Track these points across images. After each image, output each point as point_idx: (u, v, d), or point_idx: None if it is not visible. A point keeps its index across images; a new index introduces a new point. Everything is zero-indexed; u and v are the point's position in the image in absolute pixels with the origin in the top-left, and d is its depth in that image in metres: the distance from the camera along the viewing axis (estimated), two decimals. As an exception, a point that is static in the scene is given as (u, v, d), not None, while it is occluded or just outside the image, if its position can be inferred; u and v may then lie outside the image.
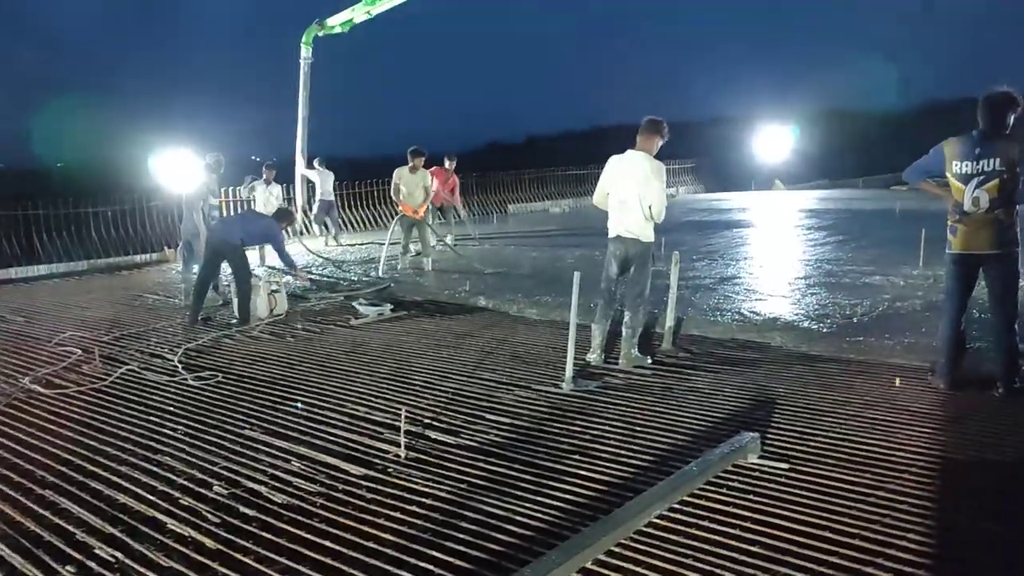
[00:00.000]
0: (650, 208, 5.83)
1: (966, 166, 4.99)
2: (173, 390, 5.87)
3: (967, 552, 3.18)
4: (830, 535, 3.29)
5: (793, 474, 3.92)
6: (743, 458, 4.06)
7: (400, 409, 4.74)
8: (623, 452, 4.31)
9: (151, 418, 5.20)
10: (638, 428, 4.69)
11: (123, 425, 5.07)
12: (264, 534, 3.49)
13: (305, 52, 16.05)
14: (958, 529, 3.35)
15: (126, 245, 14.72)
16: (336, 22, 15.62)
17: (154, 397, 5.70)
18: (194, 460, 4.41)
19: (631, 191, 5.90)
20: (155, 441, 4.74)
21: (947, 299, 5.32)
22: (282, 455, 4.45)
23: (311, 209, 16.43)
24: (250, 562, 3.25)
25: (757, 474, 3.93)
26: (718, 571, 3.04)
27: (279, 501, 3.83)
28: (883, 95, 47.90)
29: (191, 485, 4.06)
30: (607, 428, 4.70)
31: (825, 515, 3.47)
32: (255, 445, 4.62)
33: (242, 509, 3.75)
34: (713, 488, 3.76)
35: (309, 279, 10.00)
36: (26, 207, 13.97)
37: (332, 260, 13.00)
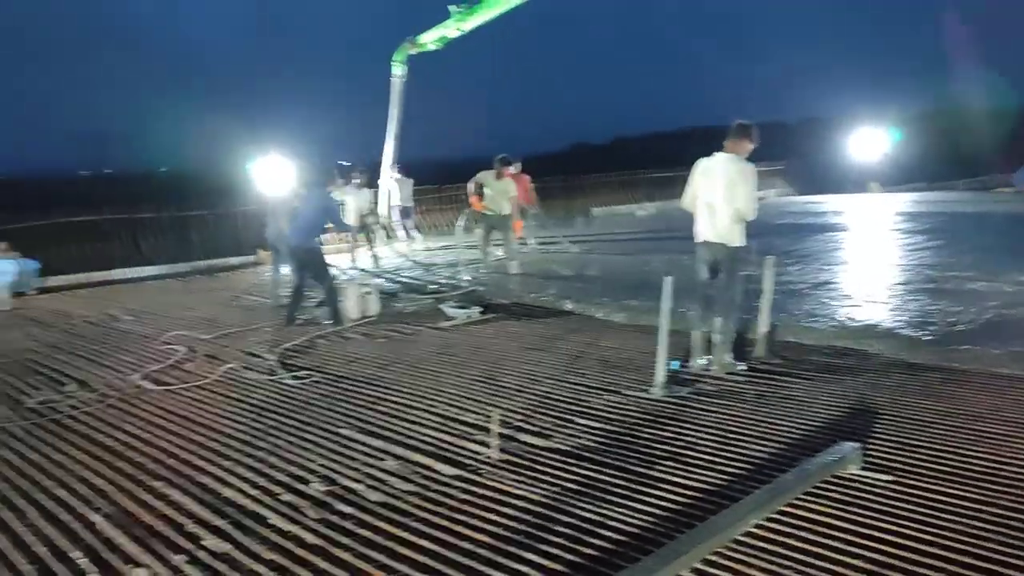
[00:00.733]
0: (737, 211, 5.73)
1: None
2: (271, 389, 6.07)
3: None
4: (938, 551, 3.16)
5: (897, 487, 3.79)
6: (843, 469, 3.94)
7: (490, 411, 4.78)
8: (717, 459, 4.24)
9: (251, 415, 5.39)
10: (732, 435, 4.60)
11: (225, 421, 5.28)
12: (361, 531, 3.58)
13: (397, 70, 16.18)
14: (1079, 550, 3.17)
15: (225, 248, 15.29)
16: (428, 39, 15.55)
17: (254, 395, 5.90)
18: (293, 457, 4.55)
19: (719, 194, 5.81)
20: (256, 437, 4.92)
21: None
22: (377, 454, 4.55)
23: (391, 216, 16.73)
24: (348, 558, 3.33)
25: (858, 486, 3.81)
26: (820, 584, 2.97)
27: (375, 499, 3.92)
28: (986, 94, 45.74)
29: (290, 481, 4.19)
30: (700, 434, 4.64)
31: (932, 530, 3.34)
32: (350, 444, 4.74)
33: (339, 506, 3.85)
34: (812, 499, 3.66)
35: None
36: (133, 210, 14.67)
37: (420, 263, 13.21)
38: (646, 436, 4.65)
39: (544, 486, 3.98)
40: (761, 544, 3.27)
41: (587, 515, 3.62)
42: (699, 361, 6.06)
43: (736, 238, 5.86)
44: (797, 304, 8.00)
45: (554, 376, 6.06)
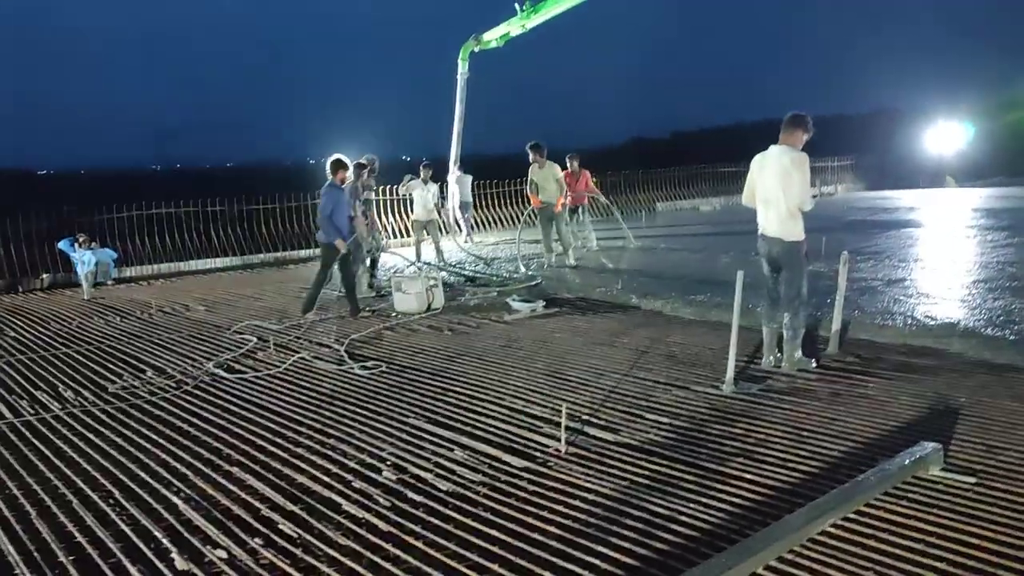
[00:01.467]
0: (791, 203, 5.62)
1: None
2: (341, 378, 6.17)
3: None
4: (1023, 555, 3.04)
5: (981, 489, 3.66)
6: (924, 470, 3.82)
7: (557, 404, 4.77)
8: (790, 457, 4.15)
9: (322, 404, 5.49)
10: (805, 433, 4.50)
11: (297, 409, 5.38)
12: (432, 519, 3.61)
13: (462, 68, 16.43)
14: None
15: (293, 240, 15.61)
16: (492, 37, 15.86)
17: (324, 384, 6.01)
18: (364, 445, 4.62)
19: (773, 187, 5.70)
20: (327, 426, 5.00)
21: None
22: (445, 444, 4.58)
23: (453, 211, 16.89)
24: (420, 546, 3.36)
25: (940, 487, 3.69)
26: (901, 587, 2.88)
27: (444, 488, 3.95)
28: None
29: (362, 469, 4.26)
30: (772, 432, 4.55)
31: (1019, 534, 3.21)
32: (419, 433, 4.78)
33: (410, 494, 3.89)
34: (892, 499, 3.56)
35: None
36: (205, 203, 15.07)
37: (483, 257, 13.26)
38: (716, 432, 4.59)
39: (613, 480, 3.96)
40: (838, 544, 3.19)
41: (658, 510, 3.58)
42: (770, 358, 5.95)
43: (793, 232, 5.72)
44: (871, 302, 7.79)
45: (620, 371, 6.02)
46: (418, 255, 12.60)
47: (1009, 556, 3.05)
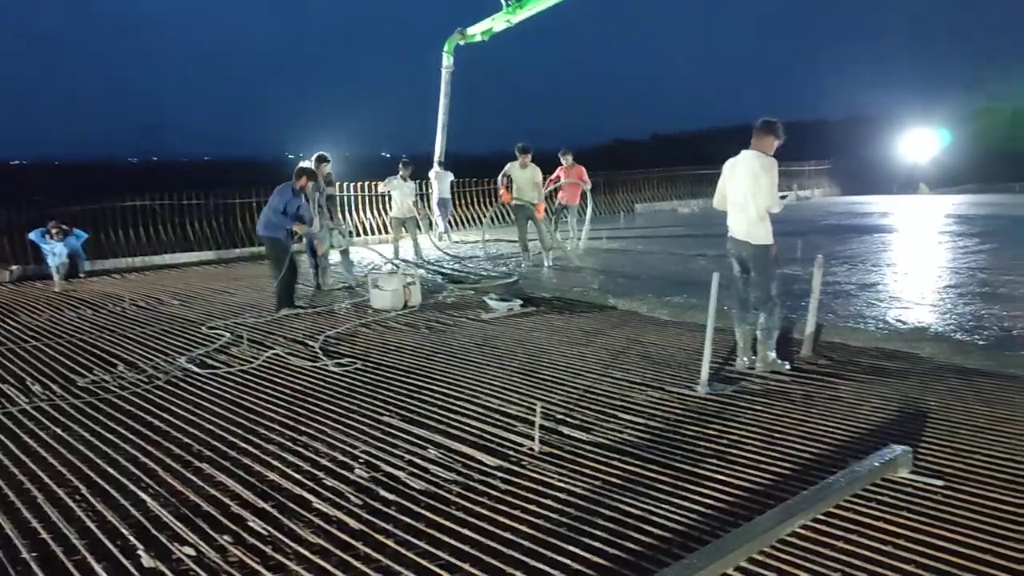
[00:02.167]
0: (760, 206, 5.67)
1: None
2: (315, 375, 6.12)
3: None
4: (993, 559, 3.07)
5: (950, 492, 3.69)
6: (893, 472, 3.85)
7: (532, 403, 4.76)
8: (763, 459, 4.18)
9: (295, 401, 5.44)
10: (778, 435, 4.53)
11: (270, 406, 5.34)
12: (403, 518, 3.58)
13: (447, 61, 16.42)
14: None
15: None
16: (477, 31, 15.92)
17: (298, 381, 5.96)
18: (336, 443, 4.58)
19: (743, 191, 5.76)
20: (299, 423, 4.96)
21: None
22: (419, 442, 4.56)
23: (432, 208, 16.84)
24: (391, 544, 3.34)
25: (909, 490, 3.72)
26: (869, 588, 2.90)
27: (417, 487, 3.93)
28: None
29: (334, 467, 4.22)
30: (745, 433, 4.57)
31: (988, 537, 3.24)
32: (393, 431, 4.76)
33: (382, 493, 3.87)
34: (861, 501, 3.59)
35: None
36: (180, 197, 14.92)
37: (460, 256, 13.23)
38: (690, 433, 4.60)
39: (586, 480, 3.96)
40: (808, 546, 3.21)
41: (630, 510, 3.59)
42: (744, 359, 5.99)
43: (761, 236, 5.77)
44: (844, 305, 7.86)
45: (596, 371, 6.03)
46: (396, 252, 12.56)
47: (976, 559, 3.08)
